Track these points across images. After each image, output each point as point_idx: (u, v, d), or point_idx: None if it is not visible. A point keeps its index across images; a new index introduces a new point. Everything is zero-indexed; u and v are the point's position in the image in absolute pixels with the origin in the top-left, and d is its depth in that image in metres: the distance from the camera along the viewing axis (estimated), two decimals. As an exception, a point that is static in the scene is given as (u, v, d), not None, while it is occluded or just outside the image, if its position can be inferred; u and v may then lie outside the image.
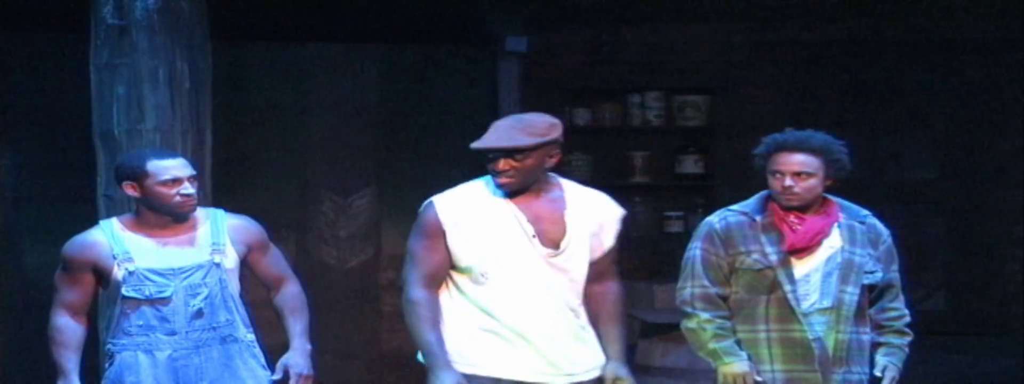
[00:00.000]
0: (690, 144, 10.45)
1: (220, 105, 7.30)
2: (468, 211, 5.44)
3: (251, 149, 9.01)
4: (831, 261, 5.56)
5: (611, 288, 5.62)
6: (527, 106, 9.00)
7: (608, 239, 5.56)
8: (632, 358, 8.04)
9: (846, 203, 5.69)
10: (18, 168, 8.65)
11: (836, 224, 5.59)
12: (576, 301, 5.55)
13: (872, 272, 5.60)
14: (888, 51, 10.27)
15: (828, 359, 5.58)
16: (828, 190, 5.60)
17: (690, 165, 10.43)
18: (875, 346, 5.69)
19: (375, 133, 9.26)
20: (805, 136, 5.53)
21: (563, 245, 5.47)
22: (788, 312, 5.55)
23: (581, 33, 10.31)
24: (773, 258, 5.53)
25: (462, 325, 5.49)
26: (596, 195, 5.62)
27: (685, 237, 9.86)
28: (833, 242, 5.56)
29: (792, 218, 5.55)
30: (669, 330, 7.98)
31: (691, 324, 5.63)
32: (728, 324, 5.58)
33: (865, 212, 5.70)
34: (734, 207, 5.69)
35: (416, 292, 5.48)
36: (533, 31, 9.30)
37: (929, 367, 9.19)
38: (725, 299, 5.62)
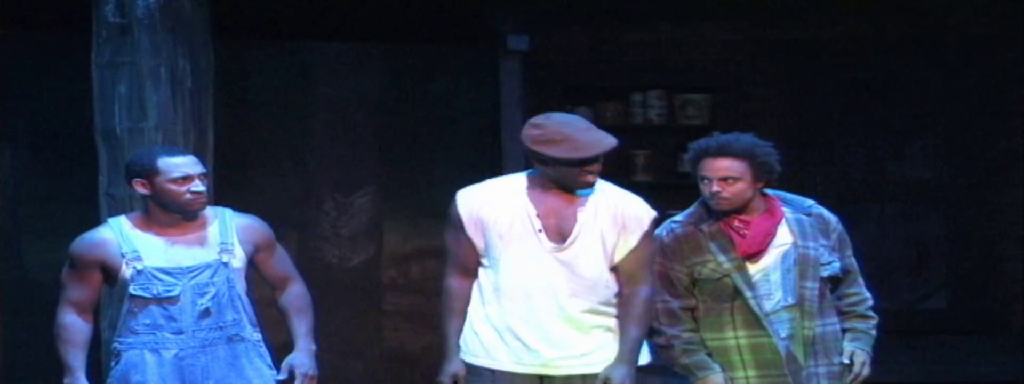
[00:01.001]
0: (692, 143, 10.44)
1: (222, 104, 7.30)
2: (484, 205, 5.61)
3: (253, 148, 9.01)
4: (787, 258, 5.62)
5: (637, 292, 5.65)
6: (529, 105, 9.00)
7: (632, 239, 5.62)
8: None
9: (789, 196, 5.75)
10: (19, 167, 8.65)
11: (783, 221, 5.65)
12: (585, 296, 5.61)
13: (828, 263, 5.65)
14: (890, 50, 10.26)
15: (797, 358, 5.62)
16: (769, 187, 5.69)
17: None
18: (845, 332, 5.75)
19: (377, 132, 9.26)
20: (728, 140, 5.62)
21: (570, 240, 5.56)
22: (752, 317, 5.61)
23: (583, 31, 10.30)
24: (727, 266, 5.61)
25: (472, 316, 5.69)
26: (625, 196, 5.72)
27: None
28: (783, 239, 5.63)
29: (737, 223, 5.62)
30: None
31: (660, 340, 5.72)
32: (696, 337, 5.66)
33: (809, 202, 5.76)
34: (678, 218, 5.78)
35: (447, 281, 5.72)
36: (535, 29, 9.29)
37: (929, 366, 9.19)
38: (693, 310, 5.68)
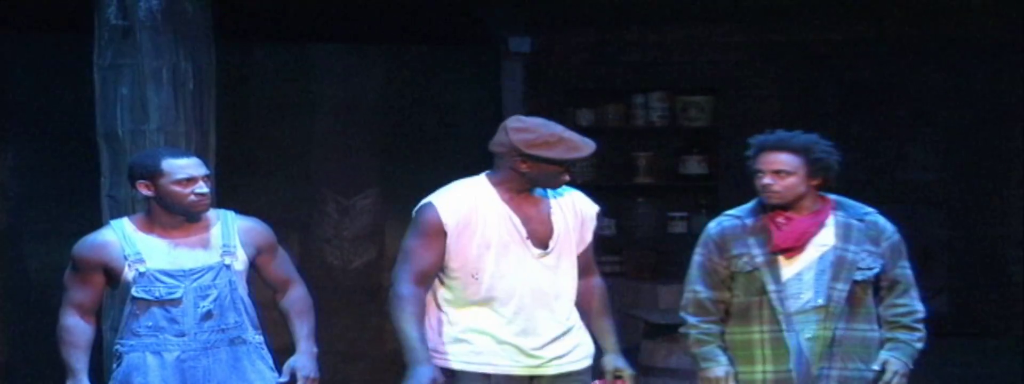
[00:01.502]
0: (694, 144, 10.44)
1: (224, 105, 7.30)
2: (468, 213, 5.56)
3: (255, 150, 9.01)
4: (824, 259, 5.65)
5: (596, 282, 5.82)
6: (531, 107, 9.01)
7: (588, 235, 5.75)
8: (636, 358, 8.06)
9: (847, 202, 5.77)
10: (21, 168, 8.65)
11: (830, 222, 5.67)
12: (566, 297, 5.70)
13: (868, 268, 5.66)
14: (892, 52, 10.26)
15: (809, 358, 5.66)
16: (826, 190, 5.70)
17: (694, 165, 10.42)
18: (883, 343, 5.74)
19: (379, 134, 9.27)
20: (787, 136, 5.68)
21: (551, 245, 5.63)
22: (774, 313, 5.66)
23: (584, 33, 10.30)
24: (759, 260, 5.66)
25: (451, 324, 5.64)
26: (573, 193, 5.78)
27: (688, 238, 9.89)
28: (824, 240, 5.66)
29: (780, 218, 5.67)
30: (673, 331, 7.96)
31: (682, 328, 5.81)
32: (714, 329, 5.72)
33: (868, 210, 5.77)
34: (731, 211, 5.83)
35: (405, 288, 5.55)
36: (537, 31, 9.30)
37: (932, 369, 9.18)
38: (723, 303, 5.74)
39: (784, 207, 5.65)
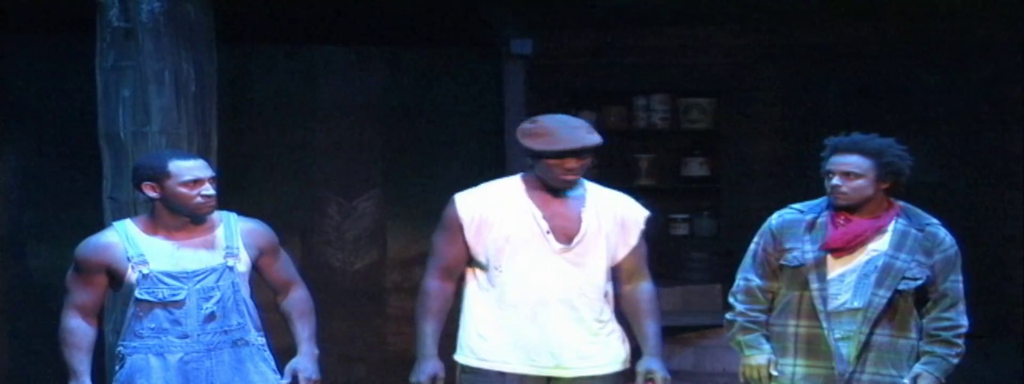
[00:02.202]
0: (696, 147, 10.44)
1: (226, 108, 7.30)
2: (487, 208, 5.68)
3: (257, 152, 9.01)
4: (871, 264, 5.71)
5: (643, 287, 5.83)
6: (532, 109, 8.99)
7: (632, 239, 5.77)
8: (637, 360, 8.05)
9: (914, 210, 5.83)
10: (23, 170, 8.65)
11: (890, 229, 5.72)
12: (593, 297, 5.71)
13: (914, 279, 5.70)
14: (894, 54, 10.25)
15: (846, 359, 5.71)
16: (897, 195, 5.79)
17: (696, 168, 10.42)
18: (919, 354, 5.78)
19: (380, 135, 9.26)
20: (861, 139, 5.77)
21: (576, 240, 5.65)
22: (813, 310, 5.72)
23: (586, 35, 10.30)
24: (809, 256, 5.73)
25: (476, 320, 5.74)
26: (619, 196, 5.84)
27: (690, 240, 9.88)
28: (878, 245, 5.72)
29: (840, 219, 5.74)
30: (675, 332, 7.99)
31: (729, 314, 5.91)
32: (761, 318, 5.82)
33: (931, 221, 5.82)
34: (796, 205, 5.91)
35: (429, 282, 5.74)
36: (538, 33, 9.29)
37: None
38: (772, 293, 5.84)
39: (850, 209, 5.71)
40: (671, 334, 7.98)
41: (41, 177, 8.62)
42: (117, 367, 5.67)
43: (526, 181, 5.74)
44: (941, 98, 10.30)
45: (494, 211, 5.66)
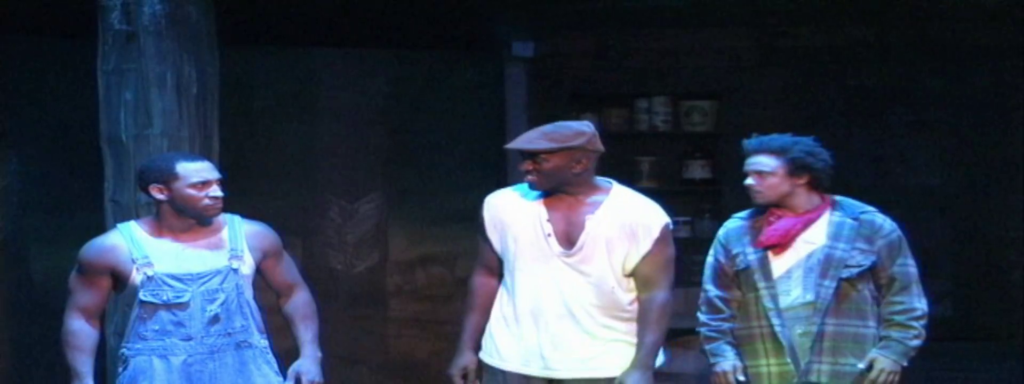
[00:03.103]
0: (697, 149, 10.44)
1: (227, 110, 7.31)
2: (504, 209, 5.82)
3: (258, 154, 9.01)
4: (812, 257, 5.84)
5: (653, 297, 5.78)
6: (534, 111, 9.00)
7: (644, 246, 5.74)
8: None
9: (847, 201, 5.97)
10: (25, 173, 8.65)
11: (823, 221, 5.87)
12: (596, 303, 5.74)
13: (857, 266, 5.82)
14: (894, 57, 10.26)
15: (799, 352, 5.84)
16: (828, 190, 5.91)
17: (697, 170, 10.42)
18: (880, 340, 5.88)
19: (382, 138, 9.26)
20: (767, 139, 5.94)
21: (577, 246, 5.70)
22: (765, 309, 5.87)
23: (588, 38, 10.30)
24: (751, 258, 5.89)
25: (491, 318, 5.88)
26: (639, 203, 5.85)
27: (692, 242, 9.88)
28: (813, 238, 5.87)
29: (772, 218, 5.90)
30: (677, 335, 7.98)
31: (697, 327, 6.05)
32: (723, 326, 5.96)
33: (866, 209, 5.94)
34: (740, 213, 6.08)
35: (472, 279, 5.95)
36: (540, 36, 9.30)
37: (934, 373, 9.18)
38: (735, 302, 5.96)
39: (778, 206, 5.88)
40: (673, 337, 7.98)
41: (43, 180, 8.62)
42: (120, 369, 5.67)
43: None
44: (942, 101, 10.30)
45: (509, 213, 5.79)
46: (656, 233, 5.74)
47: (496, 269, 5.87)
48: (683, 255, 10.16)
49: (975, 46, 10.16)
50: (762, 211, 5.93)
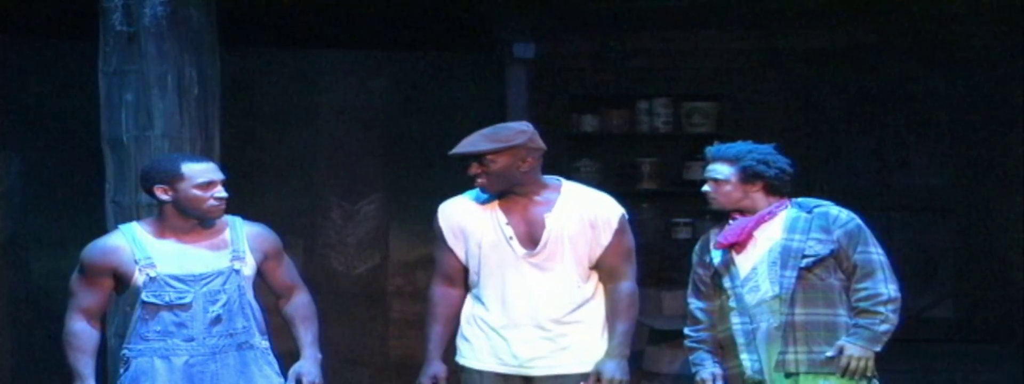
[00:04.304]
0: (698, 150, 10.41)
1: (228, 112, 7.31)
2: (459, 216, 5.87)
3: (259, 155, 9.01)
4: (772, 252, 5.95)
5: (619, 287, 5.91)
6: (535, 112, 9.00)
7: (603, 238, 5.84)
8: (639, 363, 8.06)
9: (803, 200, 6.09)
10: (26, 174, 8.65)
11: (780, 217, 5.98)
12: (563, 300, 5.84)
13: (814, 255, 5.91)
14: (895, 58, 10.26)
15: (767, 344, 5.93)
16: (779, 193, 6.01)
17: (698, 171, 10.36)
18: (844, 326, 5.96)
19: (383, 139, 9.27)
20: (723, 147, 6.07)
21: (540, 245, 5.78)
22: (730, 309, 5.99)
23: (589, 40, 10.31)
24: (717, 260, 6.03)
25: (463, 323, 5.94)
26: (592, 196, 5.91)
27: (693, 244, 9.87)
28: (771, 234, 5.97)
29: (730, 220, 6.03)
30: (677, 337, 7.98)
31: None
32: (704, 336, 6.09)
33: (820, 203, 6.06)
34: (715, 228, 6.18)
35: (432, 289, 5.97)
36: (541, 37, 9.30)
37: (936, 374, 9.18)
38: (714, 312, 6.07)
39: (738, 211, 6.00)
40: (673, 338, 7.98)
41: (44, 181, 8.62)
42: (122, 370, 5.66)
43: None
44: (942, 102, 10.30)
45: (467, 219, 5.84)
46: (615, 224, 5.84)
47: (456, 278, 5.92)
48: (684, 257, 10.23)
49: (976, 48, 10.16)
50: (726, 217, 6.06)
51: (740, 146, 6.04)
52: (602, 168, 10.34)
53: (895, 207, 10.31)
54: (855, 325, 5.89)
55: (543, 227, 5.78)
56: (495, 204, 5.83)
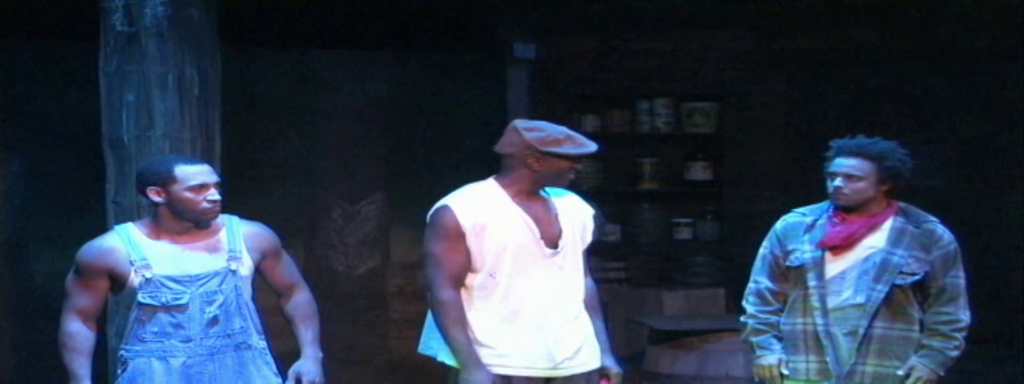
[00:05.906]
0: (699, 151, 10.44)
1: (229, 112, 7.31)
2: (484, 214, 5.67)
3: (260, 155, 9.02)
4: (869, 260, 5.87)
5: (589, 283, 5.95)
6: (535, 113, 9.00)
7: (588, 236, 5.90)
8: (641, 365, 8.07)
9: (913, 209, 5.99)
10: (27, 175, 8.66)
11: (886, 226, 5.89)
12: (576, 298, 5.84)
13: (911, 273, 5.85)
14: (897, 59, 10.26)
15: (843, 354, 5.87)
16: (894, 195, 5.94)
17: (699, 172, 10.42)
18: (920, 348, 5.91)
19: (384, 139, 9.27)
20: (865, 142, 5.93)
21: (561, 245, 5.76)
22: (813, 307, 5.89)
23: (590, 40, 10.30)
24: (807, 256, 5.90)
25: (473, 327, 5.72)
26: (572, 196, 5.94)
27: (694, 244, 9.87)
28: (874, 242, 5.88)
29: (837, 218, 5.91)
30: (678, 337, 7.99)
31: (742, 317, 6.09)
32: (772, 319, 6.00)
33: (929, 218, 5.98)
34: (801, 209, 6.09)
35: (445, 293, 5.67)
36: (542, 38, 9.31)
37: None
38: (784, 295, 6.00)
39: (850, 209, 5.88)
40: (674, 338, 7.99)
41: (45, 181, 8.63)
42: (119, 371, 5.66)
43: (504, 185, 5.75)
44: (944, 103, 10.30)
45: (491, 216, 5.66)
46: (592, 224, 5.90)
47: (462, 279, 5.69)
48: (684, 257, 10.25)
49: (977, 49, 10.15)
50: (826, 209, 5.96)
51: (881, 143, 5.94)
52: (603, 168, 10.33)
53: (895, 208, 10.30)
54: (928, 346, 5.86)
55: (557, 226, 5.76)
56: (511, 202, 5.71)
